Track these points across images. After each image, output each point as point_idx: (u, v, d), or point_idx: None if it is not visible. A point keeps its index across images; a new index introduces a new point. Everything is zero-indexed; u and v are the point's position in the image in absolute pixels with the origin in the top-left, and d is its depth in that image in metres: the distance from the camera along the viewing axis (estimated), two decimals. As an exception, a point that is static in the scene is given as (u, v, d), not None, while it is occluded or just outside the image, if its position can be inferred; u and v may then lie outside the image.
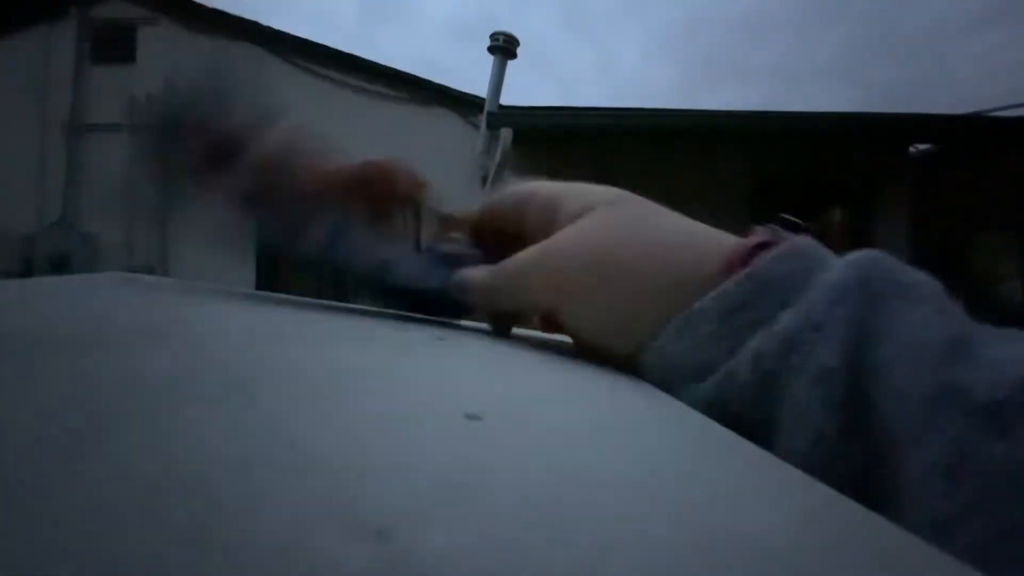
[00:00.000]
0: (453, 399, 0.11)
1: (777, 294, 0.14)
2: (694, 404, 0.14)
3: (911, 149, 3.23)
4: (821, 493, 0.09)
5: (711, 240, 0.17)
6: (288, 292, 0.26)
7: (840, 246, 0.16)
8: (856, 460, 0.11)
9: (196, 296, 0.21)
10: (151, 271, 3.43)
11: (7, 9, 3.75)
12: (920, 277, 0.13)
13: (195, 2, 3.92)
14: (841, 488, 0.11)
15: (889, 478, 0.11)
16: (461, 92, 3.62)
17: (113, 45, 3.90)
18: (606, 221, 0.18)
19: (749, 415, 0.13)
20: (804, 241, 0.15)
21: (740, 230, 0.17)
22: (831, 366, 0.11)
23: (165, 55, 3.87)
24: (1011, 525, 0.09)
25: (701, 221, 0.19)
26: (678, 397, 0.15)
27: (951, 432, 0.10)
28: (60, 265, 3.32)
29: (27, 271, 3.34)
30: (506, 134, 2.80)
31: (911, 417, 0.11)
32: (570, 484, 0.07)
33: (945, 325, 0.11)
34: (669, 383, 0.16)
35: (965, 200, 3.36)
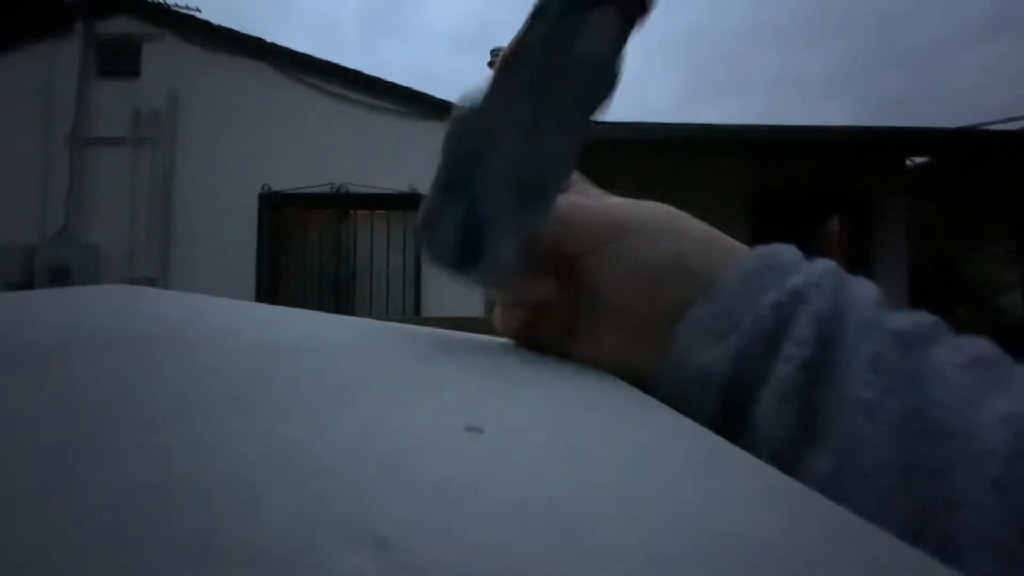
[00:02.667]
0: (454, 411, 0.11)
1: (784, 268, 0.18)
2: (717, 363, 0.17)
3: (907, 162, 3.25)
4: (817, 502, 0.09)
5: (735, 241, 0.20)
6: (288, 304, 0.26)
7: (839, 257, 0.18)
8: (820, 382, 0.16)
9: (197, 307, 0.21)
10: (152, 283, 3.44)
11: (14, 24, 3.81)
12: (861, 279, 0.19)
13: (200, 19, 3.98)
14: (811, 402, 0.16)
15: (836, 391, 0.16)
16: (462, 106, 3.65)
17: (118, 60, 3.95)
18: (653, 204, 0.20)
19: (764, 356, 0.17)
20: (787, 245, 0.20)
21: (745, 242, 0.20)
22: (826, 311, 0.16)
23: (169, 70, 3.92)
24: (914, 404, 0.14)
25: None
26: (699, 362, 0.17)
27: (876, 344, 0.15)
28: (61, 276, 3.32)
29: (28, 282, 3.34)
30: (506, 147, 2.82)
31: (852, 338, 0.16)
32: (568, 494, 0.07)
33: (875, 294, 0.17)
34: (694, 347, 0.18)
35: (962, 212, 3.37)
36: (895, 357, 0.15)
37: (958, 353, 0.15)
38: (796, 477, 0.14)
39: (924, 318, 0.16)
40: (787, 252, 0.19)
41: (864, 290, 0.17)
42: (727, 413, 0.17)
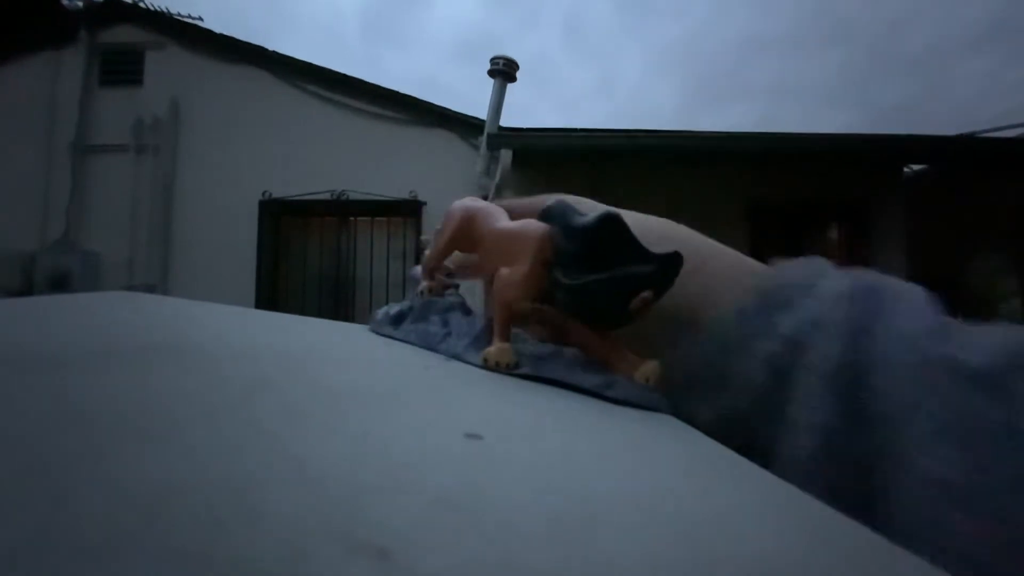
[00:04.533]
0: (454, 419, 0.11)
1: (782, 302, 0.15)
2: (713, 415, 0.15)
3: (906, 169, 3.27)
4: (825, 514, 0.09)
5: (745, 260, 0.18)
6: (289, 310, 0.26)
7: (838, 265, 0.17)
8: (859, 446, 0.12)
9: (197, 315, 0.21)
10: (152, 289, 3.43)
11: (18, 32, 3.84)
12: (906, 284, 0.15)
13: (202, 27, 4.01)
14: (846, 478, 0.12)
15: (888, 459, 0.11)
16: (462, 114, 3.68)
17: (121, 68, 3.98)
18: (662, 221, 0.18)
19: (761, 416, 0.14)
20: (811, 259, 0.16)
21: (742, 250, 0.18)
22: (837, 359, 0.13)
23: (171, 78, 3.95)
24: (1019, 485, 0.10)
25: None
26: (695, 407, 0.16)
27: (945, 398, 0.11)
28: (60, 284, 3.32)
29: (27, 289, 3.34)
30: (505, 155, 2.83)
31: (906, 390, 0.11)
32: (570, 503, 0.07)
33: (930, 315, 0.13)
34: (688, 390, 0.16)
35: (961, 220, 3.38)
36: (986, 418, 0.10)
37: None
38: None
39: (1000, 340, 0.11)
40: (793, 274, 0.16)
41: (906, 314, 0.13)
42: None
